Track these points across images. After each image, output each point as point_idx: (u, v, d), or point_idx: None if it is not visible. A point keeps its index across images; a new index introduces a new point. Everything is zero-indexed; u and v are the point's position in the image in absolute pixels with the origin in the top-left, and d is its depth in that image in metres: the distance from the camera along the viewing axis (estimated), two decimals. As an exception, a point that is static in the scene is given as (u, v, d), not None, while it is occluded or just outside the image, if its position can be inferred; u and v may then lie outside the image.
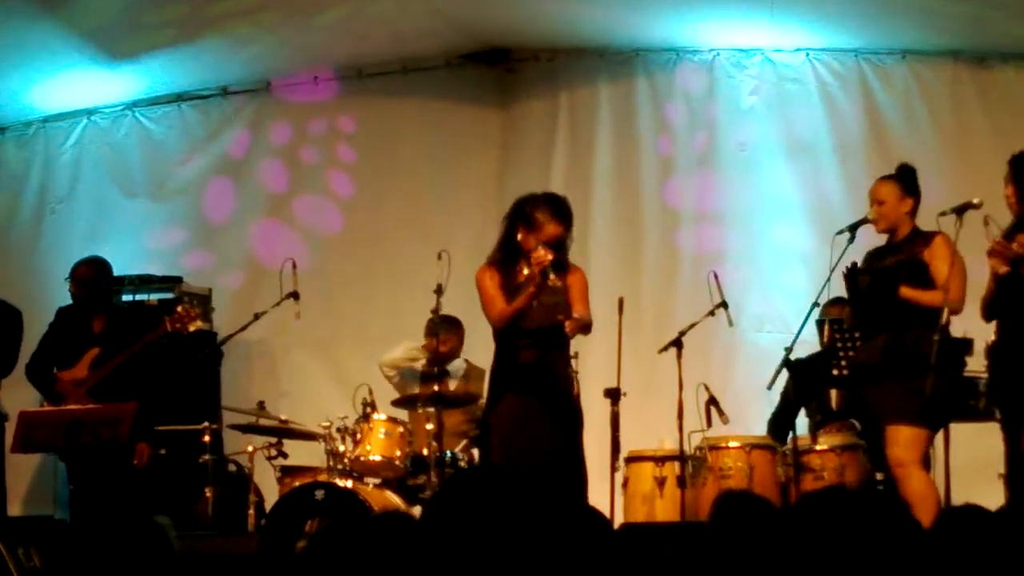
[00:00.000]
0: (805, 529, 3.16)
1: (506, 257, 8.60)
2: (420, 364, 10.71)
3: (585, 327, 8.52)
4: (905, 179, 8.60)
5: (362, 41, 12.04)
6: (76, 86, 12.01)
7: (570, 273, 8.53)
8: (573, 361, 8.70)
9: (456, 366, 10.64)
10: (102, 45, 11.09)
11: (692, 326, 9.60)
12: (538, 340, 8.51)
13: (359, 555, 2.62)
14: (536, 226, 8.45)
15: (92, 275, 10.26)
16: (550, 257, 8.29)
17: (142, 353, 10.04)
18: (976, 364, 8.65)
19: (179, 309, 10.25)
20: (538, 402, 8.53)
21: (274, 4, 10.94)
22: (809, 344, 9.48)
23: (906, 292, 8.18)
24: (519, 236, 8.51)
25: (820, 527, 3.15)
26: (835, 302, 9.38)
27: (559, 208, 8.60)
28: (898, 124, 11.60)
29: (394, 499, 9.55)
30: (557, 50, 12.41)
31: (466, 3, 11.37)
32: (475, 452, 10.49)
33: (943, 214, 8.30)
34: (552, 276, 8.24)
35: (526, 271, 8.44)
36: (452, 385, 10.44)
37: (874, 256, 8.71)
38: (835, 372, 9.21)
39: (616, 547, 3.94)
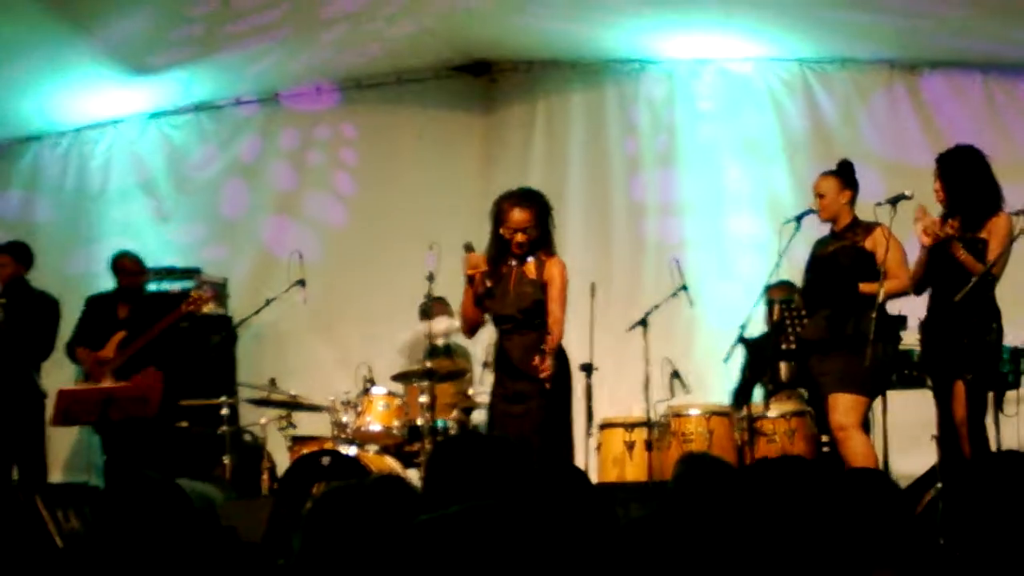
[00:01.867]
0: (757, 487, 3.14)
1: (495, 253, 8.55)
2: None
3: (553, 348, 8.32)
4: (844, 174, 8.66)
5: (360, 55, 12.02)
6: (105, 98, 11.96)
7: (547, 267, 8.49)
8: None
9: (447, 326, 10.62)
10: (128, 61, 11.04)
11: (656, 307, 9.62)
12: (516, 325, 8.48)
13: (360, 513, 2.59)
14: (504, 217, 8.47)
15: (137, 265, 10.66)
16: (483, 269, 8.39)
17: (163, 335, 10.08)
18: (910, 338, 8.66)
19: (193, 293, 10.42)
20: (507, 380, 8.57)
21: (281, 23, 10.89)
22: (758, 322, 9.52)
23: (866, 288, 8.27)
24: (500, 231, 8.48)
25: (769, 487, 3.13)
26: (780, 284, 9.39)
27: (520, 196, 8.61)
28: (839, 125, 11.60)
29: (392, 464, 9.56)
30: (534, 62, 12.38)
31: (452, 21, 11.34)
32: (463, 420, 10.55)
33: (879, 204, 8.35)
34: (484, 281, 8.41)
35: (512, 262, 8.46)
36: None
37: (819, 243, 8.76)
38: (784, 347, 9.21)
39: (590, 494, 3.91)
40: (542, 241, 8.55)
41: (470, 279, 8.45)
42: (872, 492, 4.58)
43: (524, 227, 8.41)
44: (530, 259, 8.51)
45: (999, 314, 8.00)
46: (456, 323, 10.24)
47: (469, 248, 8.56)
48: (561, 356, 8.53)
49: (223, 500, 8.74)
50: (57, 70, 11.03)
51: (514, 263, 8.52)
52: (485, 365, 10.59)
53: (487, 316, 8.72)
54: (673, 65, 12.10)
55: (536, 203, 8.60)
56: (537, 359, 8.06)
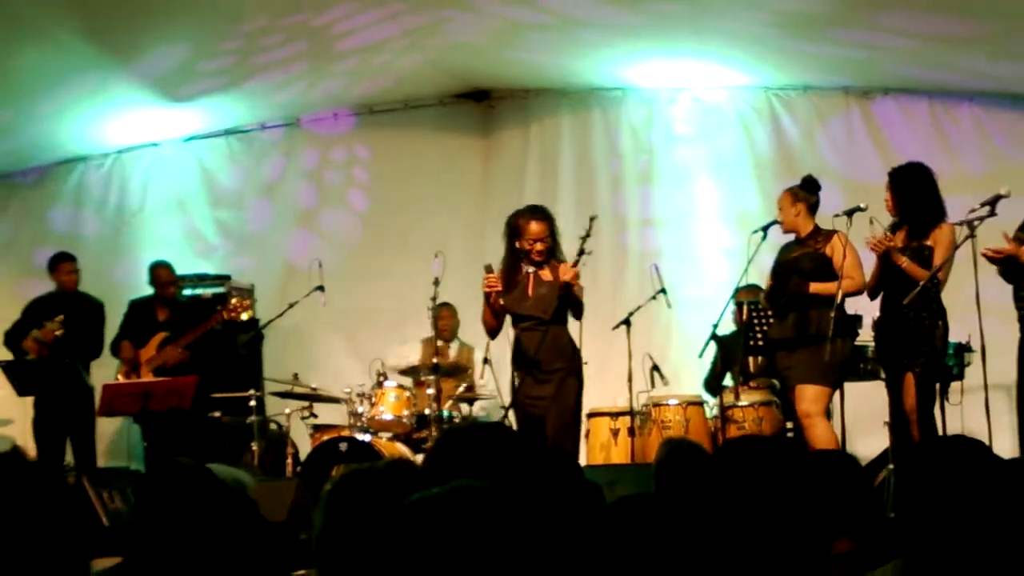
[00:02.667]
0: (730, 465, 3.14)
1: (509, 265, 8.69)
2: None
3: (578, 302, 8.58)
4: (805, 188, 8.66)
5: (373, 85, 12.02)
6: (143, 124, 11.95)
7: (563, 269, 8.57)
8: None
9: (453, 345, 10.66)
10: (165, 90, 11.03)
11: (638, 308, 9.70)
12: (537, 323, 8.54)
13: (373, 493, 2.58)
14: (521, 231, 8.57)
15: (170, 274, 10.75)
16: (498, 288, 8.56)
17: (200, 337, 10.13)
18: (865, 335, 8.68)
19: (233, 301, 10.48)
20: (520, 373, 8.63)
21: (302, 56, 10.89)
22: (729, 321, 9.56)
23: (818, 287, 8.39)
24: (516, 244, 8.60)
25: (739, 465, 3.13)
26: (748, 287, 9.43)
27: (535, 212, 8.72)
28: (801, 146, 11.60)
29: (402, 449, 9.58)
30: (528, 90, 12.37)
31: (454, 54, 11.34)
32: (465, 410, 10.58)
33: (837, 215, 8.44)
34: (498, 297, 8.59)
35: (528, 269, 8.60)
36: (452, 355, 10.39)
37: (784, 249, 8.79)
38: (752, 343, 9.24)
39: (579, 475, 3.91)
40: (554, 249, 8.67)
41: (487, 295, 8.57)
42: (837, 470, 4.59)
43: (542, 238, 8.55)
44: (544, 265, 8.61)
45: (945, 314, 8.02)
46: (410, 357, 10.39)
47: (489, 269, 8.65)
48: (575, 351, 8.63)
49: (253, 483, 8.76)
50: (101, 98, 11.02)
51: (530, 270, 8.64)
52: (486, 361, 10.61)
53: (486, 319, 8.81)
54: (652, 93, 12.09)
55: (548, 217, 8.75)
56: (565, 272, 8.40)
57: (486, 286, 8.61)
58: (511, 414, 8.72)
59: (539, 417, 8.47)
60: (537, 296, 8.59)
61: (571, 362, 8.63)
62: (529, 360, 8.57)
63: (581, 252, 8.52)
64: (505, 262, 8.74)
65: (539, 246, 8.56)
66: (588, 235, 8.55)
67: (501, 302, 8.64)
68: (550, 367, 8.53)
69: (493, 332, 8.91)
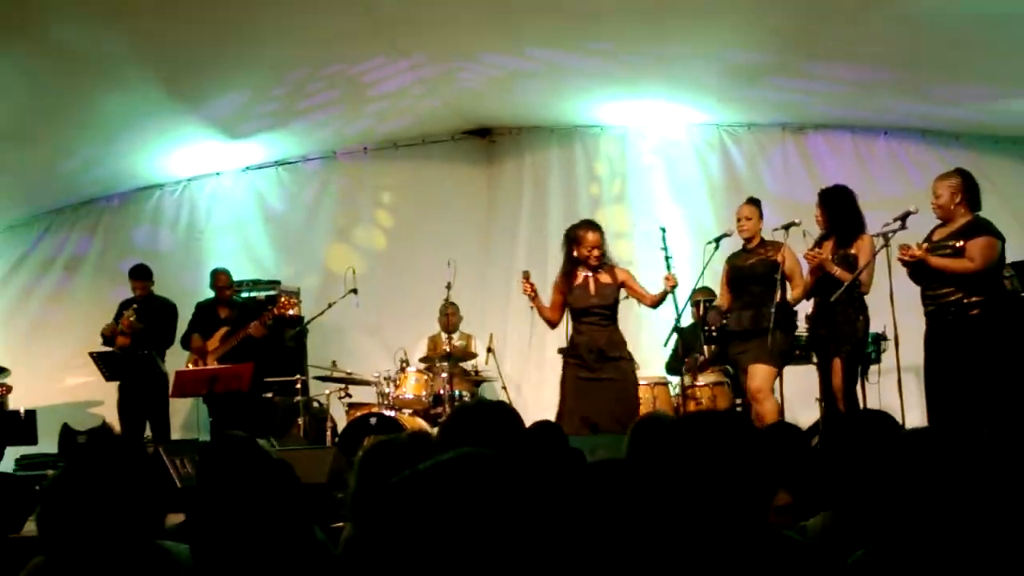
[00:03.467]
0: (690, 434, 3.15)
1: (567, 269, 8.71)
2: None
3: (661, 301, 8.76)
4: (760, 205, 8.77)
5: (396, 124, 12.00)
6: (208, 157, 11.97)
7: (616, 273, 8.77)
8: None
9: (456, 336, 10.64)
10: (226, 129, 11.04)
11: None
12: (600, 317, 8.64)
13: (398, 459, 2.58)
14: (580, 240, 8.64)
15: (228, 279, 10.83)
16: (532, 295, 8.62)
17: (253, 332, 10.17)
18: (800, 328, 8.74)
19: (283, 299, 10.59)
20: (576, 359, 8.64)
21: (337, 101, 10.89)
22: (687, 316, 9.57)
23: (797, 295, 8.53)
24: (574, 252, 8.64)
25: (699, 433, 3.14)
26: (704, 288, 9.53)
27: (591, 224, 8.83)
28: (746, 173, 11.62)
29: (421, 423, 9.58)
30: (523, 128, 12.35)
31: (463, 98, 11.33)
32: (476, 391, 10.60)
33: (776, 229, 8.54)
34: (537, 299, 8.68)
35: (586, 273, 8.65)
36: (456, 344, 10.41)
37: (736, 256, 8.88)
38: (707, 334, 9.26)
39: (565, 448, 3.91)
40: (606, 255, 8.75)
41: (531, 297, 8.62)
42: (781, 436, 4.60)
43: (598, 245, 8.63)
44: (600, 269, 8.66)
45: (866, 309, 8.05)
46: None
47: (527, 276, 8.71)
48: (625, 342, 8.74)
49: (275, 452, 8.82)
50: (173, 135, 11.04)
51: (588, 273, 8.65)
52: (489, 350, 10.61)
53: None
54: (624, 129, 12.09)
55: (601, 229, 8.81)
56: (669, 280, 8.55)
57: (524, 290, 8.66)
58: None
59: (600, 386, 8.50)
60: (601, 295, 8.61)
61: (625, 350, 8.72)
62: (592, 348, 8.57)
63: (668, 258, 8.71)
64: (565, 267, 8.74)
65: (596, 252, 8.62)
66: (665, 246, 8.72)
67: (545, 304, 8.76)
68: (612, 354, 8.57)
69: (553, 325, 8.90)
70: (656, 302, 8.76)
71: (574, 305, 8.65)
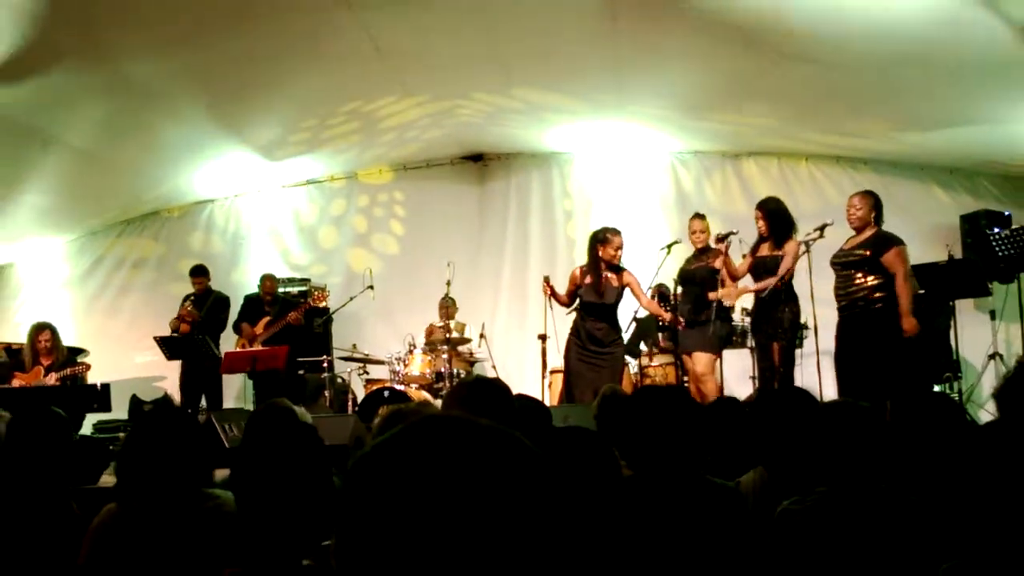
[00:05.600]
0: (644, 406, 3.14)
1: (591, 265, 8.67)
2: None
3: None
4: (706, 219, 8.85)
5: (406, 150, 11.98)
6: (250, 176, 11.94)
7: (624, 276, 8.65)
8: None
9: (452, 324, 10.63)
10: (266, 153, 11.02)
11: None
12: (601, 312, 8.62)
13: (401, 424, 2.56)
14: (608, 242, 8.57)
15: (272, 281, 10.91)
16: (548, 292, 8.72)
17: (291, 320, 10.20)
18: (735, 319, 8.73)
19: (315, 292, 10.62)
20: (578, 342, 8.66)
21: (357, 131, 10.88)
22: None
23: (721, 294, 8.46)
24: (599, 251, 8.57)
25: (652, 407, 3.13)
26: (658, 286, 9.53)
27: (617, 230, 8.71)
28: (693, 192, 11.60)
29: (426, 395, 9.56)
30: (510, 154, 12.32)
31: (461, 129, 11.30)
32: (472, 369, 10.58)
33: (718, 238, 8.48)
34: (556, 293, 8.78)
35: (606, 273, 8.60)
36: (453, 331, 10.38)
37: (687, 261, 8.93)
38: (660, 323, 9.27)
39: (545, 412, 3.90)
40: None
41: (551, 294, 8.73)
42: (723, 409, 4.60)
43: (621, 247, 8.58)
44: (615, 271, 8.64)
45: (797, 300, 8.04)
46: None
47: (547, 279, 8.87)
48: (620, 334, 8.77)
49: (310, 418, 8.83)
50: (222, 159, 11.02)
51: (609, 273, 8.61)
52: (482, 336, 10.60)
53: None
54: (593, 156, 12.04)
55: (622, 234, 8.75)
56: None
57: (544, 289, 8.75)
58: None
59: (597, 370, 8.50)
60: (608, 295, 8.57)
61: (619, 336, 8.73)
62: (592, 336, 8.59)
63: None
64: (589, 264, 8.67)
65: (619, 254, 8.56)
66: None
67: (561, 294, 8.75)
68: (607, 341, 8.58)
69: (566, 306, 8.90)
70: (648, 306, 8.80)
71: (583, 298, 8.64)
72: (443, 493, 1.10)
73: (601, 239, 8.62)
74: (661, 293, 9.59)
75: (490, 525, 1.09)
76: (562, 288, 8.87)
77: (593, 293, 8.58)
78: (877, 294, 7.47)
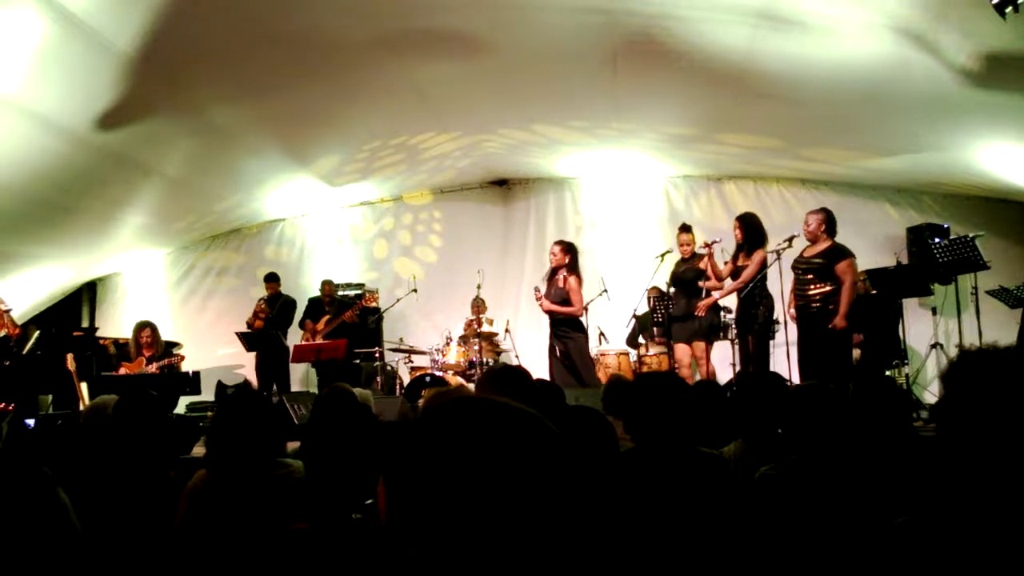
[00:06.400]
0: (644, 389, 3.12)
1: (578, 273, 8.81)
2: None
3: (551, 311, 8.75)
4: (692, 231, 8.80)
5: (443, 176, 11.97)
6: (314, 199, 11.97)
7: (566, 281, 8.71)
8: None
9: (483, 318, 10.61)
10: (326, 180, 11.04)
11: (592, 300, 9.55)
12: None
13: (443, 403, 2.55)
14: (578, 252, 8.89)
15: (331, 285, 10.91)
16: (538, 298, 8.74)
17: (347, 318, 10.20)
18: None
19: (368, 295, 10.64)
20: (550, 342, 8.77)
21: (402, 161, 10.89)
22: (643, 307, 9.48)
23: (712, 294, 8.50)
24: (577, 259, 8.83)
25: (651, 387, 3.11)
26: (654, 287, 9.48)
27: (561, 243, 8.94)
28: (682, 209, 11.54)
29: (461, 380, 9.55)
30: (529, 179, 12.30)
31: (488, 158, 11.29)
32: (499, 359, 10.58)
33: (702, 246, 8.43)
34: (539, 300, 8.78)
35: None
36: (484, 326, 10.37)
37: (677, 264, 8.88)
38: (656, 319, 9.22)
39: (560, 394, 3.88)
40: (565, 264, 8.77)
41: (539, 299, 8.79)
42: (707, 390, 4.57)
43: (551, 254, 8.82)
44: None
45: (771, 300, 8.01)
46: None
47: (537, 289, 8.89)
48: (582, 327, 8.75)
49: (372, 398, 8.80)
50: (290, 185, 11.05)
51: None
52: (506, 331, 10.59)
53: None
54: (599, 180, 12.01)
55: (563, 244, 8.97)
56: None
57: (536, 297, 8.81)
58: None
59: (567, 356, 8.59)
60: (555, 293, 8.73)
61: (575, 330, 8.68)
62: (554, 330, 8.71)
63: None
64: (575, 271, 8.74)
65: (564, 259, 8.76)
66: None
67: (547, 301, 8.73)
68: (566, 334, 8.62)
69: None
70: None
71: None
72: (476, 458, 1.12)
73: (576, 250, 8.88)
74: (657, 294, 9.56)
75: (513, 481, 1.11)
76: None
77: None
78: (828, 299, 7.46)
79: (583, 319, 8.79)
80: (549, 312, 8.68)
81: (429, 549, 1.12)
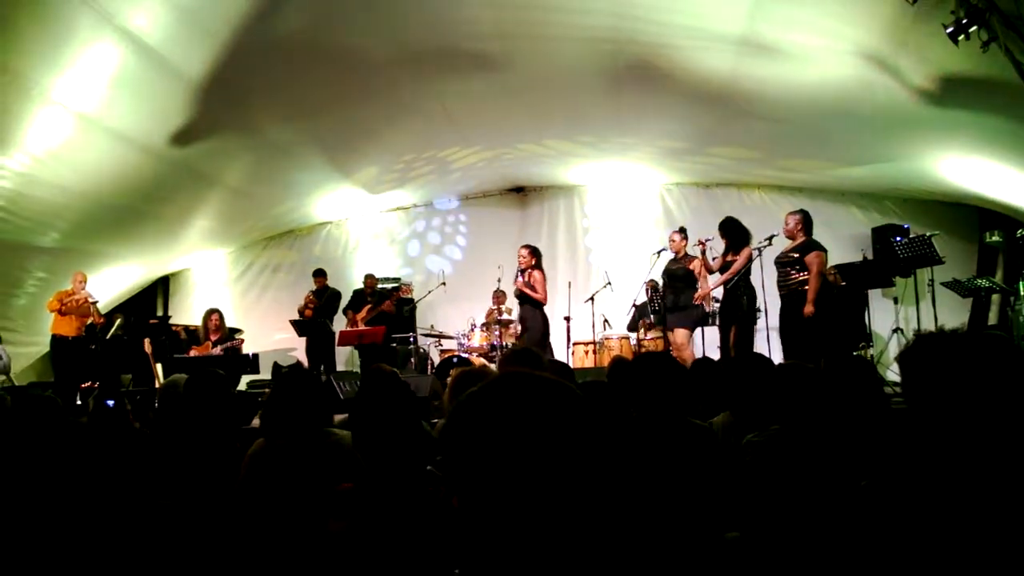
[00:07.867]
0: (641, 368, 3.11)
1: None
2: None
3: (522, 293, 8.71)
4: (683, 232, 8.68)
5: (468, 184, 11.96)
6: (357, 205, 11.99)
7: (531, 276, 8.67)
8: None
9: (503, 308, 10.58)
10: (367, 188, 11.06)
11: (597, 291, 9.55)
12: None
13: (472, 382, 2.56)
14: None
15: (372, 278, 10.82)
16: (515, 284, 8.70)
17: (386, 308, 10.18)
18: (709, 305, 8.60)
19: (403, 287, 10.63)
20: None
21: (433, 171, 10.89)
22: (641, 297, 9.42)
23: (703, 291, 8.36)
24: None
25: (647, 368, 3.10)
26: (650, 280, 9.41)
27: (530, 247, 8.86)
28: (676, 214, 11.47)
29: (484, 361, 9.50)
30: (543, 187, 12.25)
31: (507, 168, 11.27)
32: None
33: (694, 245, 8.33)
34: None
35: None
36: (503, 315, 10.35)
37: (670, 263, 8.78)
38: (652, 308, 9.16)
39: (570, 371, 3.87)
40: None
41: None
42: (703, 368, 4.55)
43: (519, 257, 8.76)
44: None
45: (753, 291, 7.95)
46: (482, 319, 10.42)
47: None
48: (541, 312, 8.64)
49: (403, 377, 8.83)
50: (335, 193, 11.07)
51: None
52: (521, 320, 10.58)
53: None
54: (603, 187, 11.95)
55: (529, 249, 8.89)
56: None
57: (515, 284, 8.70)
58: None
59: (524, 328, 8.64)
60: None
61: (535, 309, 8.66)
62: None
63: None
64: (539, 267, 8.70)
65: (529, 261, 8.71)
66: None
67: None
68: (526, 314, 8.66)
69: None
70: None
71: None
72: (521, 423, 1.12)
73: (540, 254, 8.81)
74: (653, 286, 9.52)
75: (552, 440, 1.11)
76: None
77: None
78: (804, 286, 7.42)
79: (546, 309, 8.79)
80: (519, 295, 8.72)
81: (473, 499, 1.11)
